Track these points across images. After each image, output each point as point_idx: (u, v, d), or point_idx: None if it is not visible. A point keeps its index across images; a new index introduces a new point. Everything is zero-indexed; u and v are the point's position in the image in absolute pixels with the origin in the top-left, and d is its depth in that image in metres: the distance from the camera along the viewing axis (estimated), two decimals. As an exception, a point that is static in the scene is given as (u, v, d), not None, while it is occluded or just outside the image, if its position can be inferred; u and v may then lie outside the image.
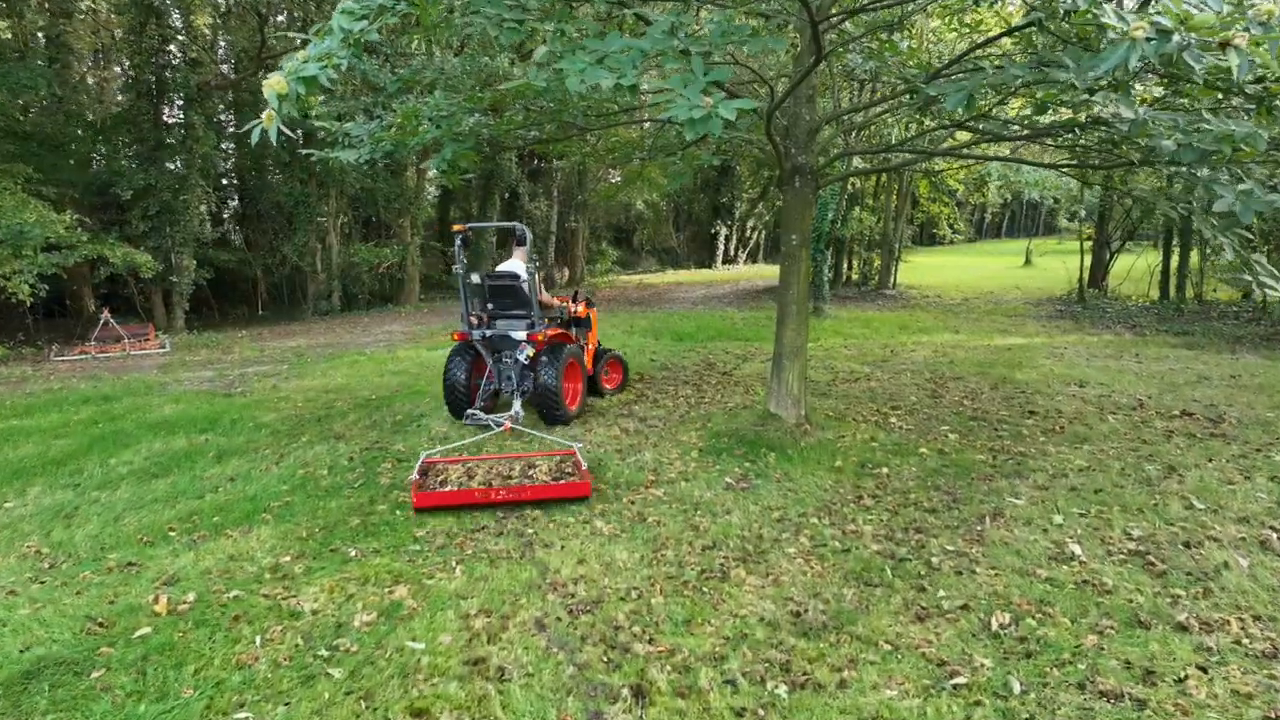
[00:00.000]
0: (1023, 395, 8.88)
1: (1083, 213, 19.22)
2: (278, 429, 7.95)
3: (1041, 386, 9.32)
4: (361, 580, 4.54)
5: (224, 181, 20.92)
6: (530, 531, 5.21)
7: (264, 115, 3.36)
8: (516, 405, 7.75)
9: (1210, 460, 6.40)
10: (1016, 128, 7.69)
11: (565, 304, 8.74)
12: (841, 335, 14.10)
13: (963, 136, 10.49)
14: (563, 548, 4.95)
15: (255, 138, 3.50)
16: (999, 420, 7.79)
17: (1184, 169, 4.59)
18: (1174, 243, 17.20)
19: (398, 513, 5.60)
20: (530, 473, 6.02)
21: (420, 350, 12.85)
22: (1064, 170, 8.17)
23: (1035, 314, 17.05)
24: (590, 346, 8.82)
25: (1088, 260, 19.37)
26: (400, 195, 20.38)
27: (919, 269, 29.46)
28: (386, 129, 7.08)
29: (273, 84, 3.29)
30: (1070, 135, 5.94)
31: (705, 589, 4.37)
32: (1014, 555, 4.72)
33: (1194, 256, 17.27)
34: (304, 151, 8.53)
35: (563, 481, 5.76)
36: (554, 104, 7.89)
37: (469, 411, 7.80)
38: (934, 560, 4.68)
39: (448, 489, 5.74)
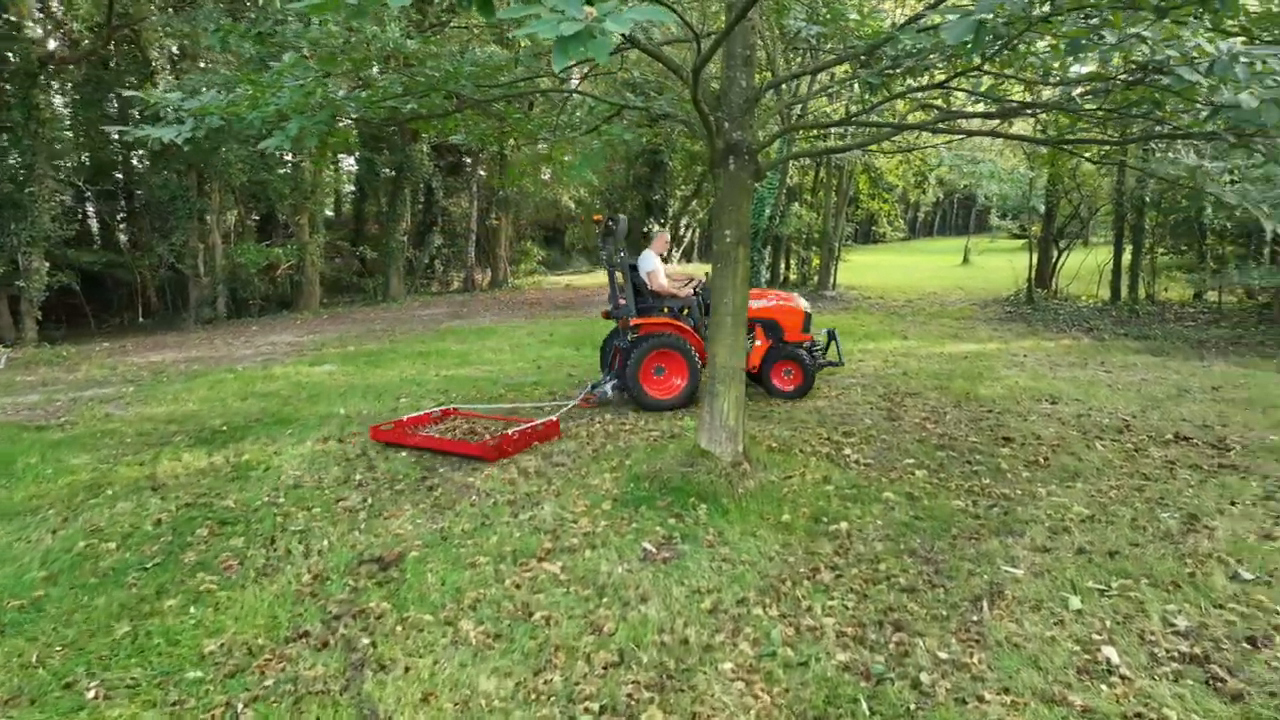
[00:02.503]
0: (991, 415, 7.69)
1: (1041, 208, 18.38)
2: (81, 477, 6.26)
3: (1010, 404, 8.15)
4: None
5: (92, 173, 18.57)
6: (366, 643, 3.71)
7: None
8: (605, 385, 8.26)
9: (1233, 504, 5.24)
10: (983, 106, 6.51)
11: (695, 296, 8.55)
12: (781, 342, 12.86)
13: (917, 119, 9.28)
14: (406, 670, 3.48)
15: None
16: (971, 450, 6.55)
17: (1259, 137, 3.35)
18: (1125, 240, 16.42)
19: (191, 611, 4.05)
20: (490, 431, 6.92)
21: (301, 366, 11.14)
22: (1072, 148, 7.00)
23: (984, 316, 16.09)
24: (758, 343, 8.41)
25: (1034, 258, 18.54)
26: (295, 189, 18.44)
27: (858, 269, 28.59)
28: (226, 101, 5.51)
29: None
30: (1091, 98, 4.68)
31: (601, 752, 2.96)
32: (1031, 667, 3.42)
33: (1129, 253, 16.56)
34: (110, 129, 6.86)
35: (474, 442, 6.57)
36: (437, 72, 6.45)
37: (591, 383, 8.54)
38: (924, 679, 3.34)
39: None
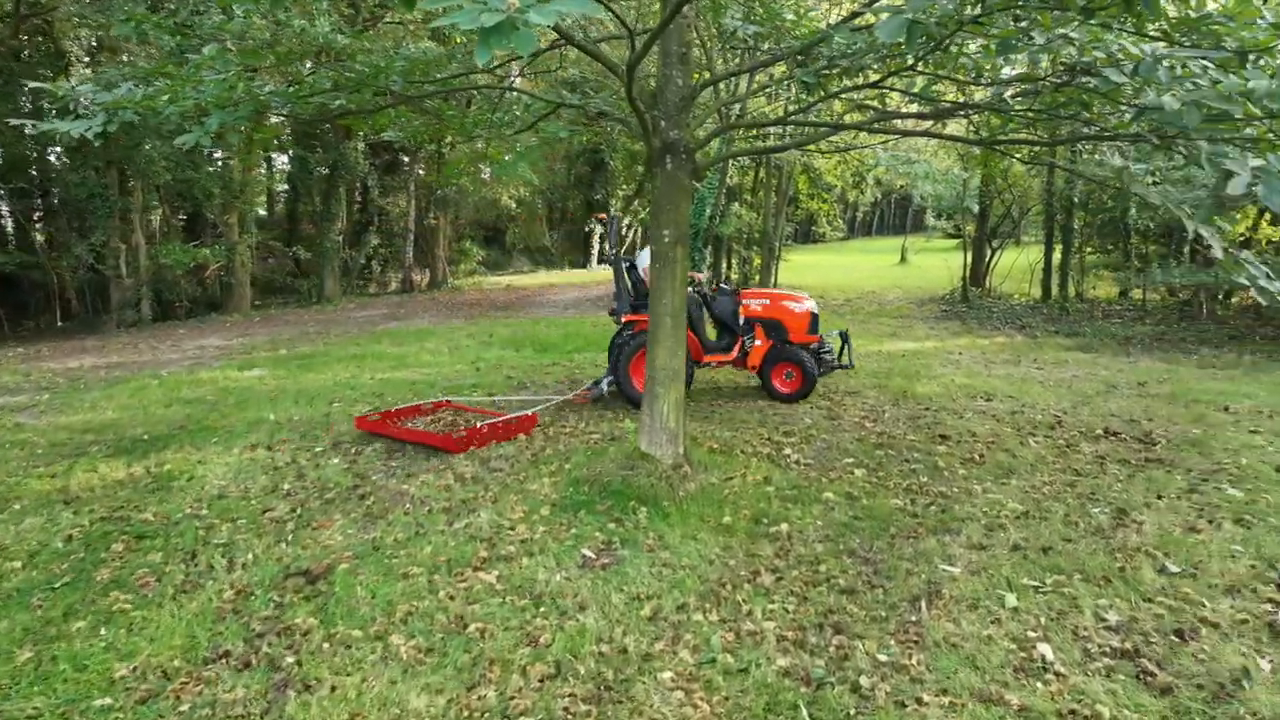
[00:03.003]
0: (929, 414, 7.78)
1: (975, 208, 18.76)
2: (-13, 491, 5.91)
3: (946, 402, 8.27)
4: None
5: (4, 170, 17.65)
6: (290, 661, 3.55)
7: None
8: (604, 381, 8.43)
9: (1159, 497, 5.37)
10: (917, 106, 6.56)
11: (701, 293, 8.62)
12: (723, 342, 12.87)
13: (854, 119, 9.35)
14: (332, 690, 3.33)
15: None
16: (909, 448, 6.61)
17: (1180, 139, 3.40)
18: (1055, 239, 16.87)
19: (101, 633, 3.82)
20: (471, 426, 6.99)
21: (230, 370, 10.75)
22: (1003, 149, 7.10)
23: (921, 315, 16.36)
24: (758, 343, 8.38)
25: (968, 258, 18.94)
26: (224, 187, 17.83)
27: (798, 268, 28.89)
28: (141, 95, 5.24)
29: None
30: (1022, 100, 4.73)
31: (535, 771, 2.86)
32: (969, 666, 3.42)
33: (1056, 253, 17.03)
34: (15, 122, 6.49)
35: (441, 433, 6.79)
36: (367, 68, 6.27)
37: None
38: (864, 682, 3.32)
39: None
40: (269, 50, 6.08)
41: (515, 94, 7.58)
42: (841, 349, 8.83)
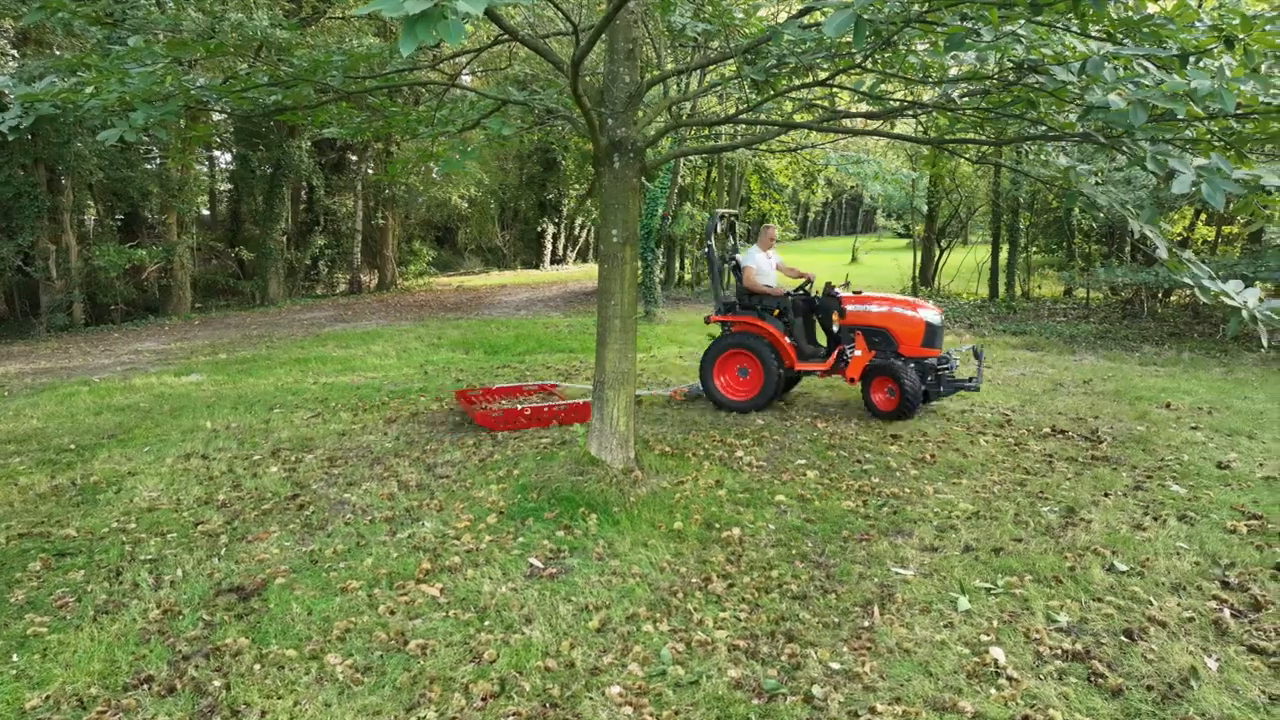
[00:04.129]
0: (856, 410, 7.78)
1: (924, 208, 19.01)
2: (-104, 508, 5.57)
3: (829, 393, 8.28)
4: None
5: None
6: (218, 685, 3.35)
7: None
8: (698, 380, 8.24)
9: (1106, 495, 5.41)
10: (866, 105, 6.55)
11: (787, 295, 8.19)
12: (677, 343, 12.82)
13: (804, 118, 9.35)
14: (263, 715, 3.15)
15: None
16: (860, 448, 6.59)
17: (1125, 139, 3.39)
18: (1002, 239, 17.15)
19: (13, 660, 3.58)
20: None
21: (166, 376, 10.36)
22: (951, 148, 7.14)
23: (871, 314, 16.50)
24: (858, 353, 7.71)
25: (917, 257, 19.17)
26: (162, 186, 17.24)
27: (750, 267, 29.00)
28: (60, 88, 4.97)
29: None
30: (964, 99, 4.71)
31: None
32: (922, 673, 3.37)
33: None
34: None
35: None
36: (304, 63, 6.07)
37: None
38: (816, 692, 3.24)
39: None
40: (200, 43, 5.83)
41: (461, 91, 7.41)
42: (979, 366, 7.92)
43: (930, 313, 7.66)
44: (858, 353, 7.67)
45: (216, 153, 23.81)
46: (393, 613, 3.95)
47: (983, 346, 8.41)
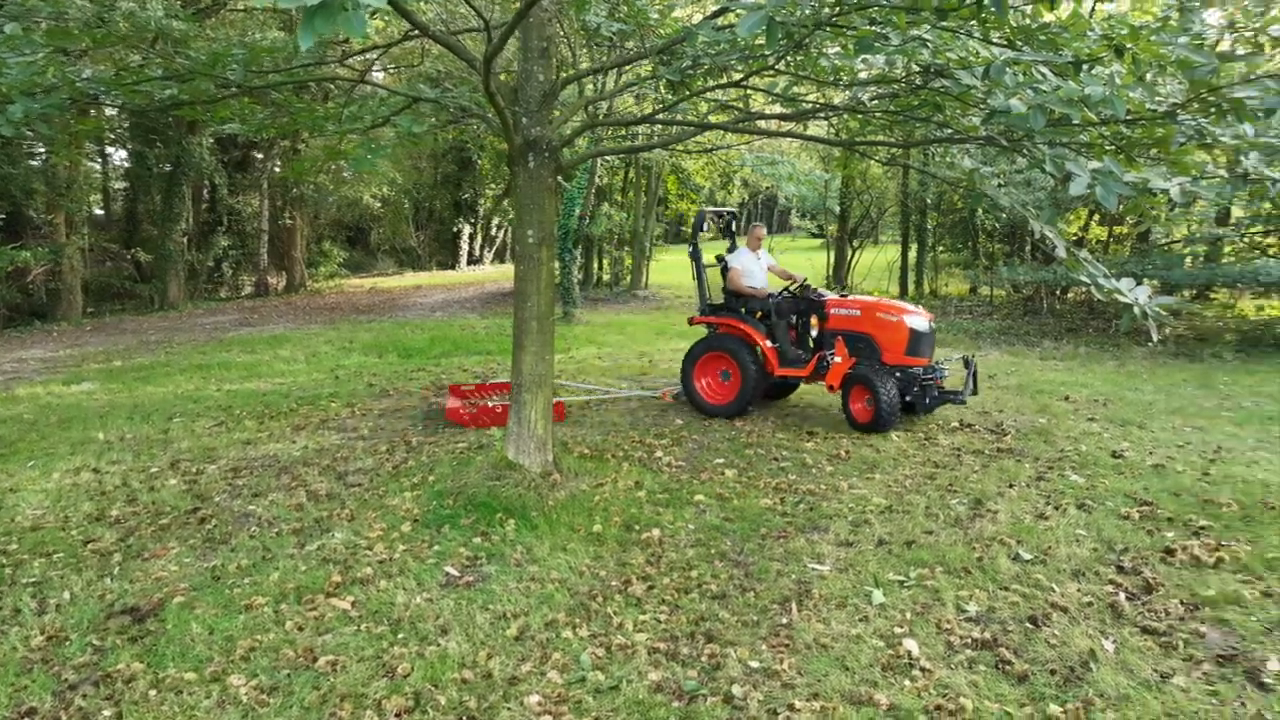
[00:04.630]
0: (796, 410, 7.92)
1: (837, 209, 19.44)
2: None
3: (813, 398, 8.43)
4: None
5: None
6: (109, 715, 3.15)
7: None
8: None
9: (1011, 486, 5.60)
10: (780, 107, 6.63)
11: (770, 297, 7.80)
12: (595, 343, 12.77)
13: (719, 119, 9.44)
14: (158, 745, 2.97)
15: None
16: (778, 445, 6.67)
17: (1026, 142, 3.51)
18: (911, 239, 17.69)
19: (-124, 697, 3.29)
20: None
21: (54, 385, 9.77)
22: (862, 150, 7.26)
23: (786, 313, 16.78)
24: (838, 359, 7.22)
25: (831, 257, 19.60)
26: (49, 184, 16.28)
27: (669, 268, 29.10)
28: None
29: None
30: (875, 102, 4.81)
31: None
32: (839, 668, 3.41)
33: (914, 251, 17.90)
34: None
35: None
36: (202, 55, 5.81)
37: None
38: (736, 692, 3.25)
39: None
40: (86, 32, 5.51)
41: (371, 88, 7.21)
42: (972, 378, 7.37)
43: (916, 319, 7.18)
44: (838, 359, 7.21)
45: (110, 149, 22.63)
46: (301, 629, 3.79)
47: (974, 355, 7.90)
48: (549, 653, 3.56)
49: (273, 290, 23.02)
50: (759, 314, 7.80)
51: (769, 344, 7.56)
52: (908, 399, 7.11)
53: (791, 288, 7.92)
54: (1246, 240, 13.56)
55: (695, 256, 8.17)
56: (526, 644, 3.65)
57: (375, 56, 7.09)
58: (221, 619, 3.88)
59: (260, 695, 3.26)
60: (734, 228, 8.63)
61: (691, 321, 8.34)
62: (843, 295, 7.82)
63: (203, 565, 4.50)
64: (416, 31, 5.37)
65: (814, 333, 7.64)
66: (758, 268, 7.98)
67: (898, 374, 7.08)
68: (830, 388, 7.27)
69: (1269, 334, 12.01)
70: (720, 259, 8.15)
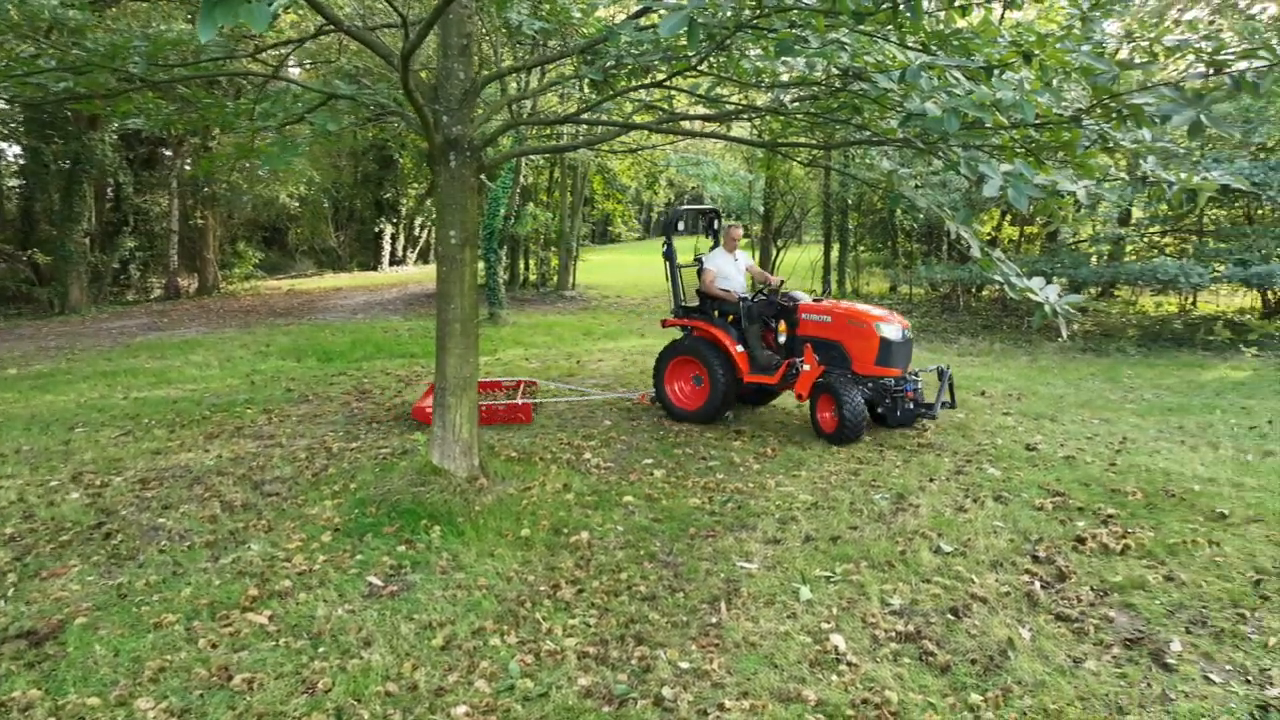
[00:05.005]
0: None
1: (761, 209, 19.68)
2: None
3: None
4: None
5: None
6: (2, 747, 2.96)
7: None
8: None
9: (931, 480, 5.74)
10: (703, 108, 6.67)
11: (741, 300, 7.45)
12: (522, 345, 12.64)
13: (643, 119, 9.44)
14: (58, 777, 2.80)
15: None
16: (706, 444, 6.71)
17: (941, 144, 3.60)
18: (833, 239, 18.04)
19: None
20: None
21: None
22: (784, 151, 7.34)
23: (713, 312, 16.92)
24: (807, 366, 6.89)
25: (756, 257, 19.85)
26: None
27: (596, 268, 29.12)
28: None
29: None
30: (798, 103, 4.86)
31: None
32: (768, 665, 3.44)
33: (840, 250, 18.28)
34: None
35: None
36: (100, 46, 5.55)
37: None
38: (667, 693, 3.24)
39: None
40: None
41: (284, 83, 6.96)
42: (947, 389, 7.03)
43: (889, 326, 6.76)
44: (807, 367, 6.90)
45: (2, 144, 21.40)
46: (214, 646, 3.63)
47: (949, 366, 7.48)
48: (476, 662, 3.49)
49: (184, 293, 22.12)
50: (730, 317, 7.53)
51: (739, 349, 7.26)
52: (879, 410, 6.94)
53: (764, 290, 7.64)
54: (1146, 240, 14.24)
55: (669, 256, 7.80)
56: (453, 653, 3.57)
57: (288, 51, 6.85)
58: (128, 639, 3.69)
59: (171, 718, 3.11)
60: (715, 226, 8.24)
61: (664, 324, 8.09)
62: (817, 300, 7.40)
63: (107, 583, 4.28)
64: (330, 25, 5.20)
65: (782, 338, 7.30)
66: (734, 269, 7.65)
67: (868, 384, 6.81)
68: (799, 396, 7.00)
69: (1167, 329, 12.65)
70: (698, 259, 7.83)
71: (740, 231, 7.99)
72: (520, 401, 7.69)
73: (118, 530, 4.97)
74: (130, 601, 4.06)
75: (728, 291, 7.53)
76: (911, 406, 6.91)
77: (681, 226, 8.15)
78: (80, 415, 7.96)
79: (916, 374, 7.12)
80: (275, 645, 3.64)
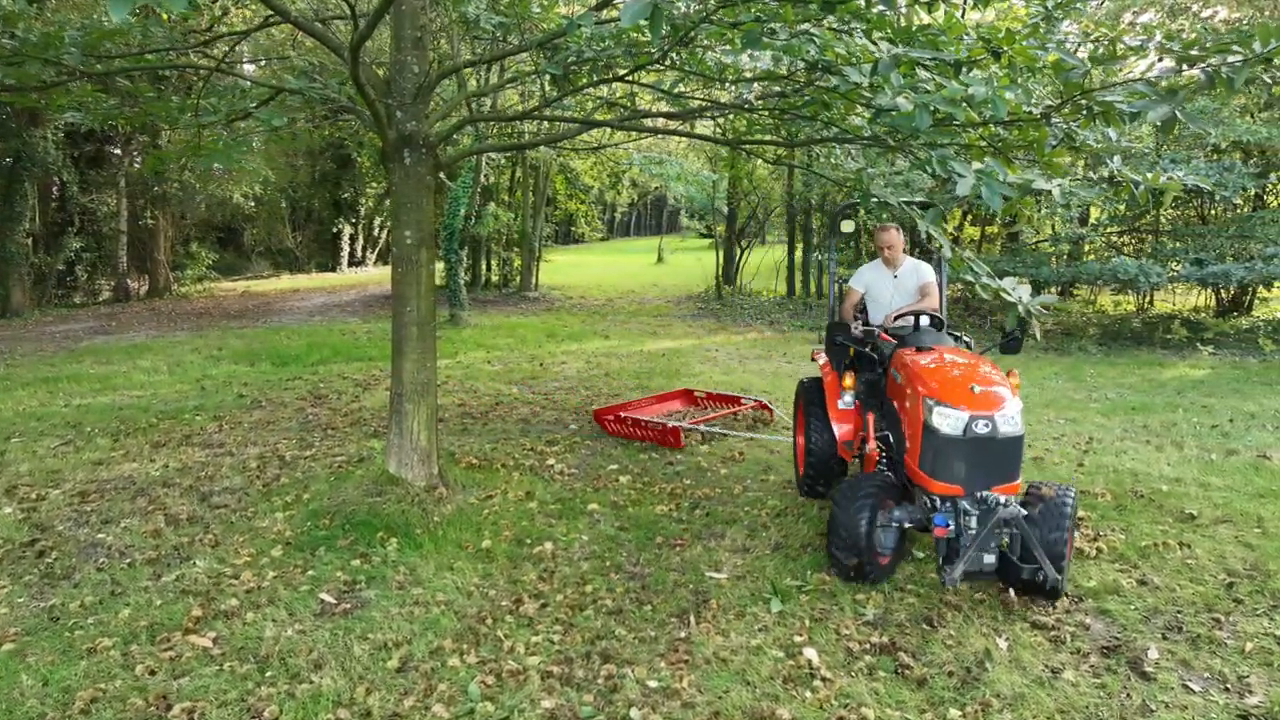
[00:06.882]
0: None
1: (725, 209, 19.63)
2: None
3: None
4: None
5: None
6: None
7: None
8: None
9: (900, 483, 5.66)
10: (666, 105, 6.55)
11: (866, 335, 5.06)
12: (485, 347, 12.41)
13: (605, 116, 9.29)
14: (-26, 824, 2.58)
15: None
16: (672, 450, 6.57)
17: (910, 142, 3.50)
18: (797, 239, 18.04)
19: None
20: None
21: None
22: (749, 149, 7.22)
23: (679, 313, 16.83)
24: (869, 446, 4.63)
25: (720, 257, 19.81)
26: None
27: (560, 269, 28.89)
28: None
29: None
30: (766, 100, 4.74)
31: None
32: (740, 682, 3.30)
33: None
34: None
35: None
36: (32, 36, 5.25)
37: None
38: (634, 715, 3.09)
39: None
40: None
41: (232, 78, 6.70)
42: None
43: (947, 411, 3.84)
44: (869, 447, 4.72)
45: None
46: (153, 672, 3.41)
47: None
48: (434, 684, 3.31)
49: (134, 295, 21.47)
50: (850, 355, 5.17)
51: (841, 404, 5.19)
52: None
53: (893, 322, 5.00)
54: (1105, 240, 14.42)
55: (828, 267, 6.19)
56: (409, 675, 3.39)
57: (234, 44, 6.58)
58: (59, 666, 3.45)
59: (102, 755, 2.90)
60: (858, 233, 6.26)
61: (813, 357, 5.71)
62: (956, 339, 4.94)
63: (38, 605, 4.02)
64: (276, 16, 4.98)
65: (847, 397, 5.14)
66: (890, 290, 5.34)
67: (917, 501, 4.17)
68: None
69: (1126, 328, 12.81)
70: (835, 275, 6.05)
71: (895, 235, 5.38)
72: (671, 424, 6.74)
73: (53, 547, 4.70)
74: (63, 625, 3.81)
75: (863, 323, 5.38)
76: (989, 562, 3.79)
77: (849, 228, 6.17)
78: (17, 424, 7.59)
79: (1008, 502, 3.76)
80: (219, 670, 3.42)
